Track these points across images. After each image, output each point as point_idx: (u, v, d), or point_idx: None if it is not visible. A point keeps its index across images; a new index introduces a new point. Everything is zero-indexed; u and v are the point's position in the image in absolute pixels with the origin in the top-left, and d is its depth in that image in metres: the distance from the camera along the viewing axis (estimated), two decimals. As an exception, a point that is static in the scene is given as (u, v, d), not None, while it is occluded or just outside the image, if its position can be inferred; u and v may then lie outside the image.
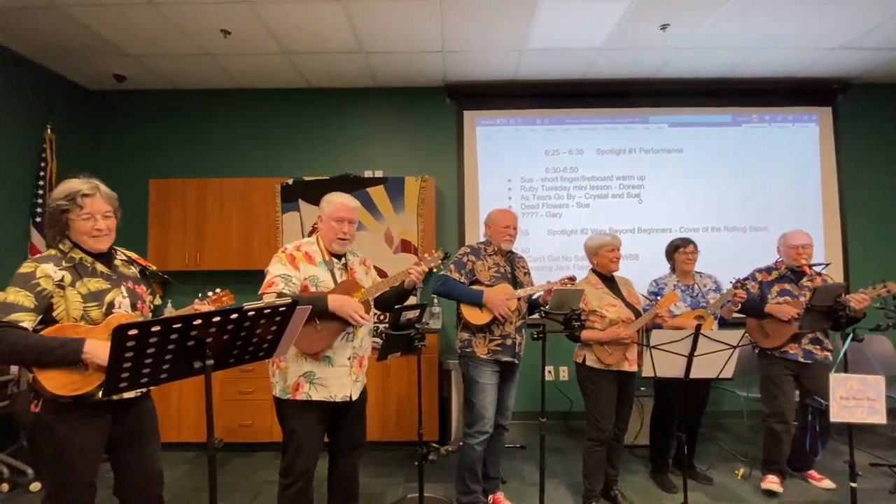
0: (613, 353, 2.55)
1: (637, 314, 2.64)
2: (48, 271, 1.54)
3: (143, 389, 1.69)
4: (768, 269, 3.03)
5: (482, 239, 2.75)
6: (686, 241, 2.98)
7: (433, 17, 3.16)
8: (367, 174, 4.14)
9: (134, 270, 1.80)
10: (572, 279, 2.55)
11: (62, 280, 1.55)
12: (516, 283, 2.58)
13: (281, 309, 1.45)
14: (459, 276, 2.51)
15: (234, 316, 1.33)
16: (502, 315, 2.43)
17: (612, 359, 2.55)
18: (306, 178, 3.98)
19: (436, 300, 3.92)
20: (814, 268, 2.87)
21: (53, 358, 1.46)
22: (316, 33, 3.36)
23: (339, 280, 2.08)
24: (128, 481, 1.69)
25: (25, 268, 1.54)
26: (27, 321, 1.48)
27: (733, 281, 2.78)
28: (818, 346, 2.83)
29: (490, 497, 2.67)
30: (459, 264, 2.53)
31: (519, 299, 2.53)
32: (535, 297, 2.61)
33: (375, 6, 3.03)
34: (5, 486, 2.86)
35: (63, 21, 3.12)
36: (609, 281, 2.73)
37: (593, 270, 2.75)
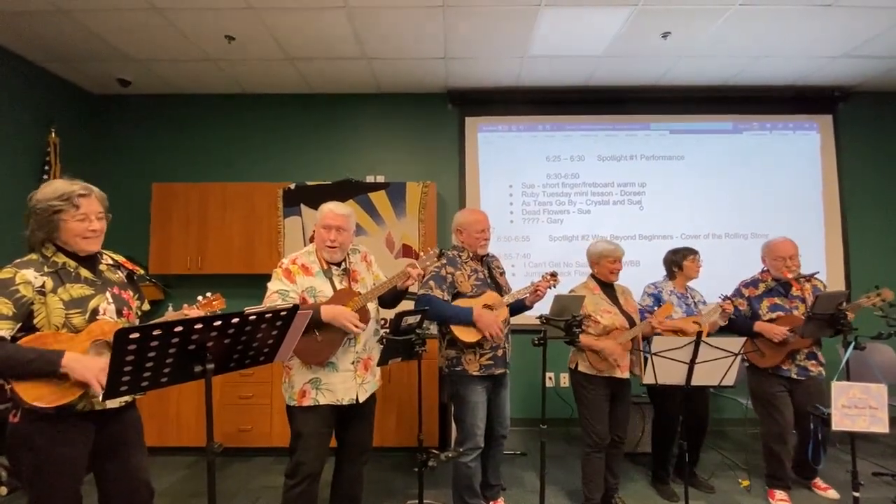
0: (604, 359, 2.55)
1: (632, 323, 2.63)
2: (28, 277, 1.47)
3: (128, 398, 1.64)
4: (754, 283, 2.92)
5: (455, 244, 2.58)
6: (693, 250, 2.98)
7: (436, 24, 3.18)
8: (370, 179, 4.15)
9: (120, 275, 1.72)
10: (554, 275, 2.51)
11: (43, 286, 1.49)
12: (497, 288, 2.54)
13: (282, 314, 1.45)
14: (442, 293, 2.38)
15: (235, 320, 1.33)
16: (494, 335, 2.35)
17: (602, 365, 2.55)
18: (308, 183, 4.00)
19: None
20: (803, 277, 2.79)
21: (28, 371, 1.40)
22: (319, 40, 3.38)
23: (338, 287, 2.09)
24: (113, 493, 1.64)
25: (4, 273, 1.47)
26: (5, 330, 1.41)
27: (722, 297, 2.76)
28: (814, 362, 2.76)
29: (491, 503, 2.65)
30: (438, 279, 2.40)
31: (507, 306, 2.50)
32: (518, 299, 2.56)
33: (378, 13, 3.05)
34: (4, 490, 2.85)
35: (68, 25, 3.15)
36: (608, 287, 2.73)
37: (593, 276, 2.75)
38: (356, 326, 1.98)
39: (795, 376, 2.74)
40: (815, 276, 2.86)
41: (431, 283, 2.40)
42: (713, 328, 2.84)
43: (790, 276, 2.76)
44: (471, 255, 2.53)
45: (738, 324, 2.85)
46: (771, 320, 2.78)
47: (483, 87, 4.21)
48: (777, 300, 2.83)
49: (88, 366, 1.43)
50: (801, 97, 4.27)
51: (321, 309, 1.95)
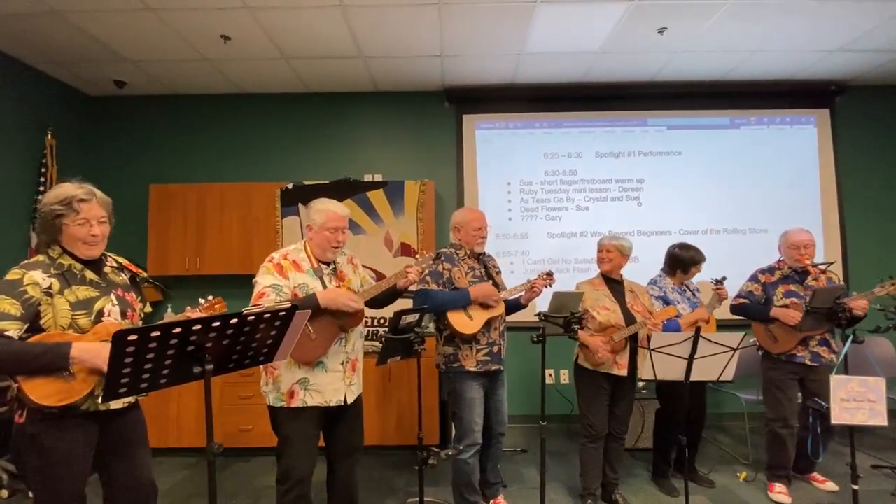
0: (596, 354, 2.56)
1: (632, 322, 2.62)
2: (36, 278, 1.49)
3: (132, 399, 1.66)
4: (770, 270, 2.96)
5: (452, 242, 2.64)
6: (702, 257, 2.94)
7: (432, 21, 3.17)
8: (367, 178, 4.15)
9: (124, 277, 1.75)
10: (550, 275, 2.54)
11: (50, 287, 1.51)
12: (495, 286, 2.55)
13: (280, 314, 1.45)
14: (438, 288, 2.44)
15: (233, 321, 1.33)
16: (490, 296, 2.41)
17: (594, 360, 2.56)
18: (306, 183, 3.99)
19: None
20: (817, 266, 2.82)
21: (37, 365, 1.41)
22: (315, 39, 3.37)
23: (328, 286, 2.08)
24: (118, 492, 1.66)
25: (12, 274, 1.49)
26: (13, 330, 1.43)
27: (713, 280, 2.81)
28: (826, 349, 2.78)
29: (491, 501, 2.66)
30: (435, 274, 2.46)
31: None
32: (514, 297, 2.60)
33: (374, 12, 3.04)
34: (4, 493, 2.85)
35: (63, 27, 3.13)
36: (616, 284, 2.73)
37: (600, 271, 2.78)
38: (355, 303, 1.99)
39: (809, 363, 2.77)
40: (830, 266, 2.87)
41: (428, 278, 2.45)
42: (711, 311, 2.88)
43: (807, 262, 2.79)
44: (468, 252, 2.56)
45: (752, 310, 2.89)
46: (784, 306, 2.81)
47: (480, 84, 4.20)
48: (792, 287, 2.85)
49: (99, 353, 1.45)
50: (798, 91, 4.27)
51: (318, 296, 1.96)
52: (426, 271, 2.42)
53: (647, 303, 2.76)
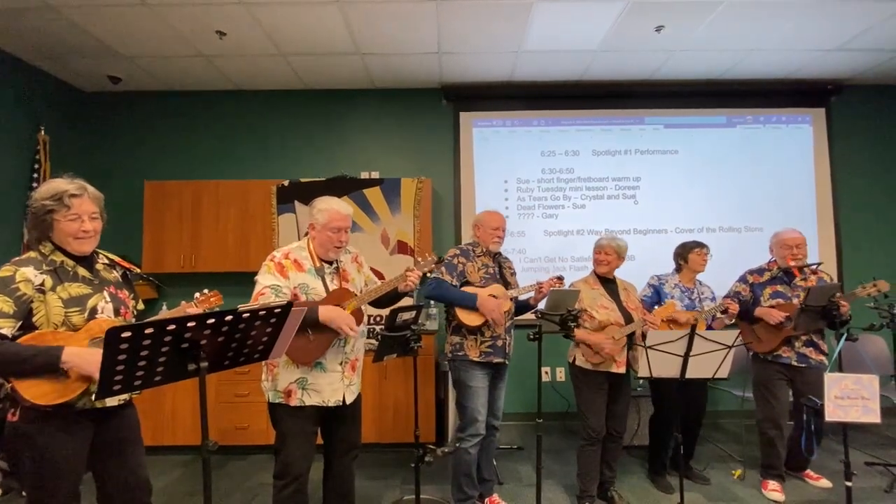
0: (598, 353, 2.56)
1: (629, 320, 2.63)
2: (28, 275, 1.48)
3: (126, 397, 1.64)
4: (760, 271, 2.98)
5: (470, 240, 2.73)
6: (700, 244, 2.99)
7: (429, 18, 3.16)
8: (364, 175, 4.14)
9: (116, 274, 1.73)
10: (560, 279, 2.58)
11: (42, 284, 1.49)
12: (505, 284, 2.61)
13: (276, 311, 1.44)
14: (451, 279, 2.50)
15: (228, 318, 1.32)
16: (495, 320, 2.44)
17: (596, 358, 2.56)
18: (302, 180, 3.98)
19: (432, 301, 3.91)
20: (807, 267, 2.83)
21: (28, 367, 1.40)
22: (312, 35, 3.35)
23: (330, 286, 2.07)
24: (112, 491, 1.65)
25: (4, 271, 1.47)
26: (6, 328, 1.42)
27: (732, 297, 2.83)
28: (813, 349, 2.78)
29: (486, 500, 2.67)
30: (450, 266, 2.53)
31: (512, 299, 2.55)
32: (524, 297, 2.64)
33: (371, 8, 3.03)
34: (-2, 491, 2.84)
35: (57, 22, 3.10)
36: (609, 283, 2.74)
37: (594, 270, 2.78)
38: (352, 331, 1.97)
39: (795, 363, 2.77)
40: (819, 266, 2.89)
41: (443, 269, 2.51)
42: (718, 326, 2.87)
43: (793, 263, 2.80)
44: (484, 250, 2.62)
45: (740, 309, 2.89)
46: (770, 307, 2.82)
47: (477, 82, 4.20)
48: (779, 287, 2.87)
49: (90, 359, 1.43)
50: (794, 90, 4.29)
51: (319, 309, 1.94)
52: (436, 270, 2.46)
53: (636, 300, 2.78)
